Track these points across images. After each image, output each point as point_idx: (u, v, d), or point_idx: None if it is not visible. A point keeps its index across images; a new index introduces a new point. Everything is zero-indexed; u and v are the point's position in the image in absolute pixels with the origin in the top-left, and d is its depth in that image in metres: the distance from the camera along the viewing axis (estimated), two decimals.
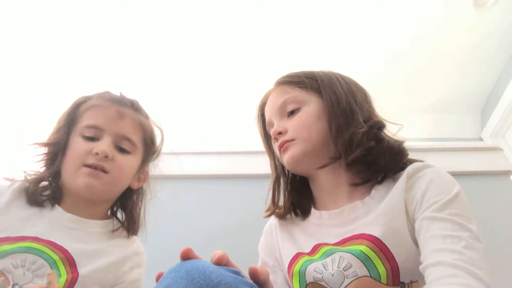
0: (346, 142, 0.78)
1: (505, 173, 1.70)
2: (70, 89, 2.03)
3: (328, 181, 0.83)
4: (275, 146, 0.87)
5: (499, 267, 1.34)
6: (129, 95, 0.98)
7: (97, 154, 0.85)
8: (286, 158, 0.82)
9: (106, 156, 0.85)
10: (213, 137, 2.34)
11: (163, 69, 2.17)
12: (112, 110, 0.90)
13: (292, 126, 0.83)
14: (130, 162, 0.92)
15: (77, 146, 0.87)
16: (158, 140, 1.01)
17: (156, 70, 2.17)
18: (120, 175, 0.90)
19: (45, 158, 0.90)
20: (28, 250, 0.77)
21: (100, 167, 0.86)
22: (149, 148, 0.98)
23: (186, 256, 0.52)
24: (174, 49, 2.06)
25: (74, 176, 0.86)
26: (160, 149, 1.02)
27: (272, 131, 0.86)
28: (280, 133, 0.84)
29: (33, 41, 1.92)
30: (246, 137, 2.13)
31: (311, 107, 0.83)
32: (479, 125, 2.27)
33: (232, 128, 2.33)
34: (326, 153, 0.81)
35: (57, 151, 0.88)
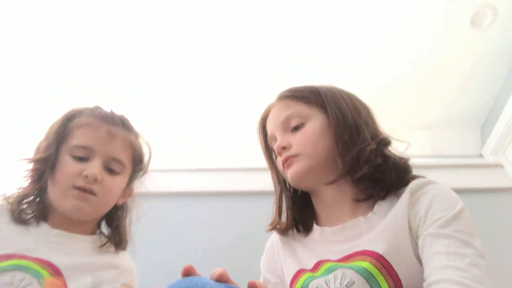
0: (353, 159, 0.77)
1: (507, 190, 1.70)
2: (70, 89, 2.02)
3: (332, 197, 0.82)
4: (278, 161, 0.86)
5: (502, 284, 1.33)
6: (120, 108, 0.96)
7: (86, 176, 0.84)
8: (290, 174, 0.82)
9: (96, 179, 0.85)
10: (204, 153, 2.32)
11: (155, 79, 2.14)
12: (103, 130, 0.89)
13: (296, 141, 0.82)
14: (118, 183, 0.91)
15: (67, 166, 0.85)
16: (146, 157, 1.01)
17: (150, 78, 2.13)
18: (108, 196, 0.89)
19: (32, 174, 0.88)
20: (16, 268, 0.76)
21: (89, 189, 0.85)
22: (137, 166, 0.98)
23: (188, 273, 0.52)
24: (166, 56, 2.03)
25: (62, 197, 0.85)
26: (147, 166, 1.01)
27: (275, 146, 0.85)
28: (284, 148, 0.83)
29: (33, 41, 1.91)
30: (239, 154, 2.12)
31: (316, 123, 0.83)
32: (479, 142, 2.27)
33: (224, 145, 2.31)
34: (331, 169, 0.80)
35: (45, 167, 0.87)
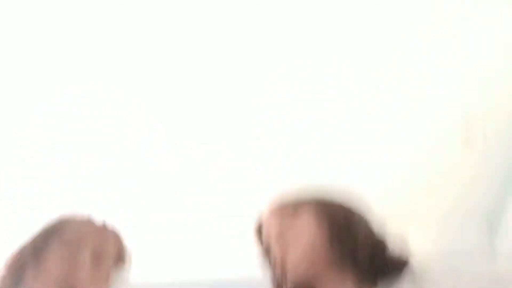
0: (352, 265, 0.78)
1: None
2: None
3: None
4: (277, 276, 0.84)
5: None
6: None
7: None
8: None
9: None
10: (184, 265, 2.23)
11: None
12: (96, 240, 0.90)
13: (292, 259, 0.82)
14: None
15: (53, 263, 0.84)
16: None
17: None
18: None
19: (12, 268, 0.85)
20: None
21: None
22: (118, 273, 0.97)
23: None
24: None
25: None
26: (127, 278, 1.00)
27: (273, 266, 0.85)
28: (280, 266, 0.82)
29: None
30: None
31: (311, 234, 0.83)
32: (486, 240, 2.20)
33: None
34: (332, 276, 0.80)
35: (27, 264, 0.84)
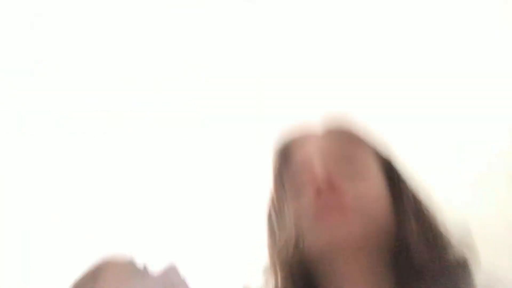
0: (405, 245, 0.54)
1: None
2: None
3: (354, 272, 0.55)
4: (307, 204, 0.53)
5: None
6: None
7: None
8: (333, 229, 0.51)
9: None
10: None
11: None
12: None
13: (358, 191, 0.54)
14: None
15: None
16: None
17: None
18: None
19: None
20: None
21: None
22: None
23: None
24: None
25: None
26: None
27: (318, 177, 0.53)
28: (332, 186, 0.53)
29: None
30: None
31: (381, 185, 0.57)
32: None
33: None
34: (379, 245, 0.55)
35: None
